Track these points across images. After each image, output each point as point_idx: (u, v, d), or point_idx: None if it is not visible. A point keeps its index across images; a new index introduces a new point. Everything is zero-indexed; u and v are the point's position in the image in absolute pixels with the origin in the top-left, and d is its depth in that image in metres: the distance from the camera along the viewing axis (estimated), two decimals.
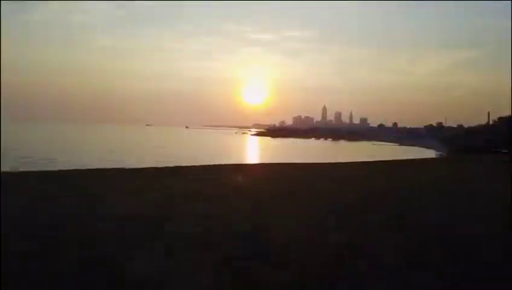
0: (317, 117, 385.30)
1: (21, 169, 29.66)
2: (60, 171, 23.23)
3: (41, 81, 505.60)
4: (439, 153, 50.53)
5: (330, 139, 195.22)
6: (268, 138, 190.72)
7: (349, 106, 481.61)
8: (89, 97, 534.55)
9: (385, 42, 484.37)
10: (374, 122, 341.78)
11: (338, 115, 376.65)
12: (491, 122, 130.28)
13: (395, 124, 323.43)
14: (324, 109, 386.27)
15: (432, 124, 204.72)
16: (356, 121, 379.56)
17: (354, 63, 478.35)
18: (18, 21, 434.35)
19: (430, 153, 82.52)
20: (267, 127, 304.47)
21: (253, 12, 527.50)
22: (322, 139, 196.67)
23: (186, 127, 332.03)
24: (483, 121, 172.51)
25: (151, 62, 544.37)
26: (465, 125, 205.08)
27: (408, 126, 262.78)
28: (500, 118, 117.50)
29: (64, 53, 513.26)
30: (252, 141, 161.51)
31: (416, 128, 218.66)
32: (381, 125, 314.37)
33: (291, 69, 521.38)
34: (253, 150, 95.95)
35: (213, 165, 33.18)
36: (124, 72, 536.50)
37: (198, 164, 33.40)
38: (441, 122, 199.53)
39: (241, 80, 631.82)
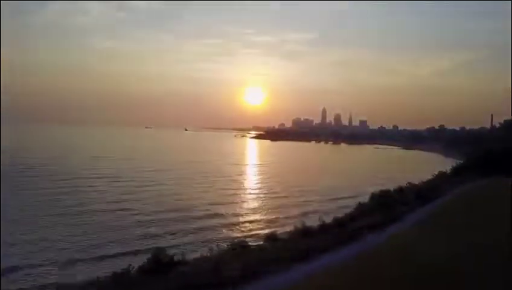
0: (317, 119, 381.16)
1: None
2: None
3: (40, 83, 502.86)
4: (457, 161, 46.24)
5: (331, 142, 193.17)
6: (268, 141, 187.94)
7: (349, 108, 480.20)
8: (88, 99, 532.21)
9: (384, 44, 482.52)
10: (373, 124, 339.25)
11: (338, 117, 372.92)
12: (497, 126, 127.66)
13: (395, 126, 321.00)
14: (324, 111, 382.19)
15: (433, 127, 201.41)
16: (356, 123, 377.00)
17: (354, 65, 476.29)
18: (17, 22, 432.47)
19: (444, 161, 78.77)
20: (266, 130, 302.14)
21: (253, 15, 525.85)
22: (322, 143, 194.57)
23: (186, 130, 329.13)
24: (484, 123, 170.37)
25: (151, 64, 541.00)
26: (467, 128, 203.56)
27: (409, 128, 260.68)
28: (506, 121, 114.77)
29: (63, 55, 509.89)
30: (252, 145, 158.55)
31: (417, 131, 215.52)
32: (381, 128, 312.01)
33: (291, 71, 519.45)
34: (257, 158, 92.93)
35: None
36: (123, 74, 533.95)
37: None
38: (443, 125, 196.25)
39: (241, 82, 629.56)
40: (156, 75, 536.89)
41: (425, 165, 68.23)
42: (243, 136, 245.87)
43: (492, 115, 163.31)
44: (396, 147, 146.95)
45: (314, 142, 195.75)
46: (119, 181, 37.39)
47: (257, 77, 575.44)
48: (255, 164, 65.49)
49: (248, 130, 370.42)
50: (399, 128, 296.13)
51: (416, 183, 30.79)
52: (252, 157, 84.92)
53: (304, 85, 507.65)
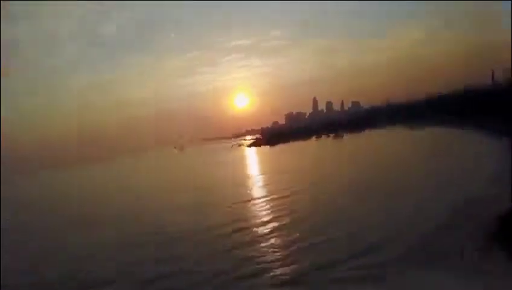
0: (309, 110, 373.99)
1: None
2: None
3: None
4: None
5: (332, 135, 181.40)
6: (267, 147, 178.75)
7: (339, 93, 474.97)
8: (70, 138, 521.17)
9: (362, 25, 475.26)
10: (366, 104, 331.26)
11: (329, 104, 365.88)
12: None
13: (387, 101, 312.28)
14: (314, 101, 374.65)
15: (432, 97, 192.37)
16: (348, 106, 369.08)
17: (336, 50, 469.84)
18: None
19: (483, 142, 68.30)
20: (261, 131, 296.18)
21: (228, 20, 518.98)
22: (323, 137, 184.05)
23: (175, 148, 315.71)
24: (482, 78, 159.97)
25: (135, 89, 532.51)
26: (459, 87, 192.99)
27: (404, 102, 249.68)
28: None
29: (41, 97, 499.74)
30: (253, 158, 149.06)
31: (414, 103, 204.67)
32: (374, 107, 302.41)
33: (276, 68, 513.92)
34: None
35: None
36: (108, 104, 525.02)
37: None
38: (440, 92, 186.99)
39: (228, 88, 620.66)
40: (141, 98, 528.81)
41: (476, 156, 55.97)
42: (240, 145, 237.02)
43: (493, 71, 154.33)
44: (405, 129, 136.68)
45: (314, 138, 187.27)
46: None
47: (242, 81, 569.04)
48: (275, 207, 55.20)
49: (243, 134, 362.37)
50: (393, 103, 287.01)
51: None
52: (264, 186, 72.24)
53: (289, 79, 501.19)
